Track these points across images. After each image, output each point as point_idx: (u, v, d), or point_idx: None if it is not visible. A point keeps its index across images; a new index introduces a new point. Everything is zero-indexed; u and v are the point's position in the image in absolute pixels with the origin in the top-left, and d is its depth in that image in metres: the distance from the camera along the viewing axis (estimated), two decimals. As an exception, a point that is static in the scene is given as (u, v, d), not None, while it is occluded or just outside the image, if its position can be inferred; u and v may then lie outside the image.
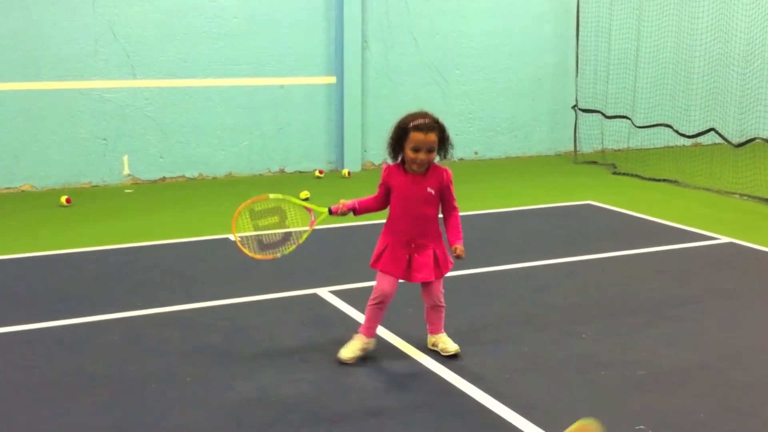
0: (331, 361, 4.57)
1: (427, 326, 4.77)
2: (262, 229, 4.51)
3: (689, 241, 7.17)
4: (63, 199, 8.70)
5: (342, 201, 4.55)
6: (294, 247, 4.58)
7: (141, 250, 6.94)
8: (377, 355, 4.61)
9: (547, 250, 6.88)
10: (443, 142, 4.41)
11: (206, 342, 4.88)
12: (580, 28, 11.61)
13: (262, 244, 4.53)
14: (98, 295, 5.76)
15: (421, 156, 4.33)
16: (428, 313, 4.72)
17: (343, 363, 4.53)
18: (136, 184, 9.96)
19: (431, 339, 4.75)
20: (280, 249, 4.57)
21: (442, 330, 4.73)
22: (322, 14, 10.53)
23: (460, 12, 11.25)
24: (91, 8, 9.48)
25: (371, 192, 4.62)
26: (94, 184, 9.81)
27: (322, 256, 6.74)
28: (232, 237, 4.37)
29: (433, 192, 4.45)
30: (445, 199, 4.52)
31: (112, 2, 9.55)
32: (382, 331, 4.94)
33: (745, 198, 8.95)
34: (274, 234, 4.58)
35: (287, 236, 4.58)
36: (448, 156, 4.49)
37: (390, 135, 4.43)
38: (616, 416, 3.95)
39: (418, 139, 4.30)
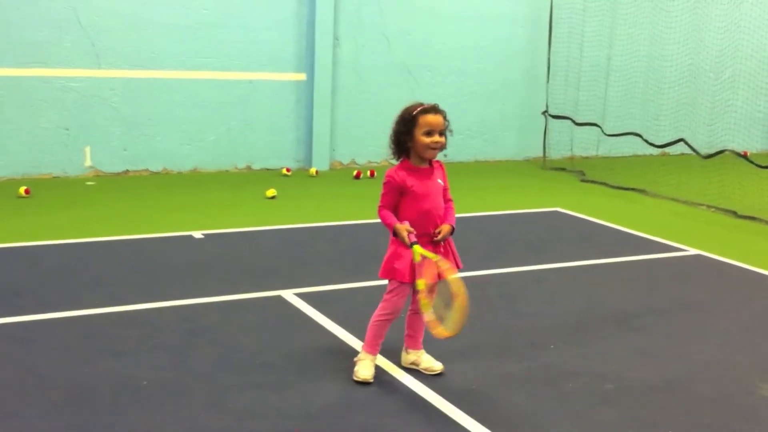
0: (294, 367, 4.44)
1: (407, 339, 4.43)
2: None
3: (657, 251, 7.15)
4: (21, 189, 8.47)
5: (405, 232, 4.09)
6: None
7: (100, 245, 6.76)
8: (344, 365, 4.49)
9: (514, 257, 6.82)
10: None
11: (164, 343, 4.73)
12: (553, 34, 11.57)
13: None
14: (54, 290, 5.58)
15: (436, 138, 4.18)
16: (412, 321, 4.39)
17: (365, 383, 4.23)
18: (98, 176, 9.74)
19: (411, 356, 4.43)
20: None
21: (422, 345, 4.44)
22: (293, 10, 10.38)
23: (433, 12, 11.16)
24: (57, -6, 9.25)
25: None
26: (54, 175, 9.57)
27: (288, 256, 6.62)
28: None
29: (442, 183, 4.34)
30: (444, 189, 4.40)
31: (79, -11, 9.34)
32: (347, 338, 4.83)
33: (713, 210, 8.96)
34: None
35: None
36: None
37: (394, 130, 4.24)
38: (585, 431, 3.87)
39: (429, 121, 4.17)
